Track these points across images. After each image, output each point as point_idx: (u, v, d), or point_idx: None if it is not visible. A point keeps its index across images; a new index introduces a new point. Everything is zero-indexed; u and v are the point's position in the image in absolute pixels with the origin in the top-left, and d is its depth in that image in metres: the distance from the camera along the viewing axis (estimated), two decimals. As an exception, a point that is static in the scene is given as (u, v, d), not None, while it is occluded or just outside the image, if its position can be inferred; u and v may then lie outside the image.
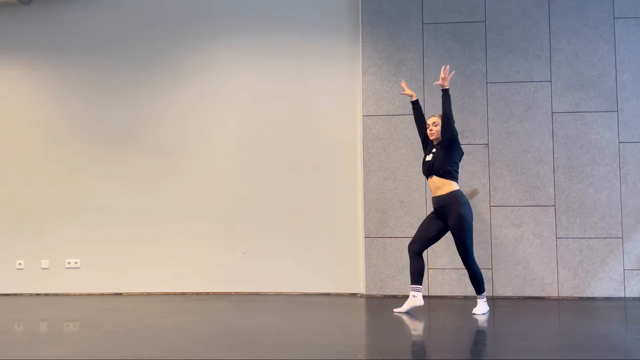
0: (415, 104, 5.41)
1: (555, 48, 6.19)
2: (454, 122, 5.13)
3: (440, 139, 5.14)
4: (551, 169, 6.11)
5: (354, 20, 6.51)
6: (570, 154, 6.10)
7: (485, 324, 4.84)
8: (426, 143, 5.32)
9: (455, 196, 5.04)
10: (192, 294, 6.44)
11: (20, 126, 6.82)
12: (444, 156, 5.07)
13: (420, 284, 5.14)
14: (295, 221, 6.43)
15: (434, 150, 5.18)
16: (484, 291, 5.17)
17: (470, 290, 6.03)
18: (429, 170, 5.14)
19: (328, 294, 5.94)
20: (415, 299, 5.13)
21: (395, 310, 5.16)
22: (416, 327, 4.72)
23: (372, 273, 6.18)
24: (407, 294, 6.11)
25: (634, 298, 5.94)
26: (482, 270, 6.04)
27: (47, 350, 3.88)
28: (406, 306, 5.15)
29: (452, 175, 5.09)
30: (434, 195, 5.16)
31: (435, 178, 5.10)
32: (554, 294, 6.01)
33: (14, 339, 4.40)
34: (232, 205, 6.53)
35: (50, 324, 5.01)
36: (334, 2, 6.57)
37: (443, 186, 5.07)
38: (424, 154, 5.30)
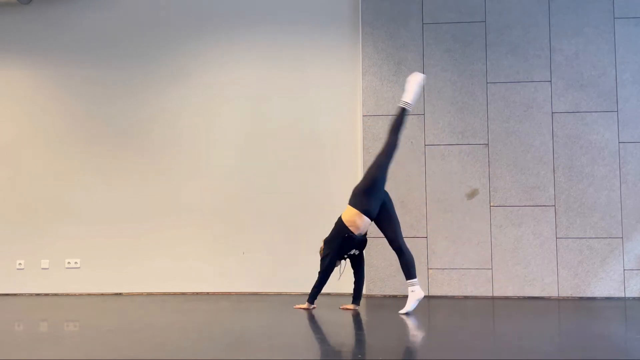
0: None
1: (555, 48, 6.19)
2: (323, 269, 5.20)
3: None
4: (551, 169, 6.11)
5: (354, 20, 6.51)
6: (570, 154, 6.11)
7: (486, 325, 4.84)
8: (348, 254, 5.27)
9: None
10: (192, 294, 6.44)
11: (20, 126, 6.82)
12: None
13: (413, 277, 5.06)
14: (295, 221, 6.43)
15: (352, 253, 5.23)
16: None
17: (470, 290, 6.05)
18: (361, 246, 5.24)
19: (328, 294, 5.94)
20: (415, 293, 5.04)
21: (400, 312, 5.07)
22: (416, 327, 4.72)
23: (372, 273, 6.18)
24: (407, 293, 6.11)
25: (634, 298, 5.94)
26: (482, 270, 6.07)
27: (47, 350, 3.88)
28: (409, 304, 5.04)
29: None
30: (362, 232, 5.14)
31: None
32: (554, 294, 6.01)
33: (14, 339, 4.40)
34: (232, 205, 6.53)
35: (50, 324, 5.01)
36: (334, 2, 6.57)
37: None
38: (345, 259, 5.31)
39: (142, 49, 6.75)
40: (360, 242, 5.20)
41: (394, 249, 5.15)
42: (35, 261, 6.65)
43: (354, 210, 5.07)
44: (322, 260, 5.24)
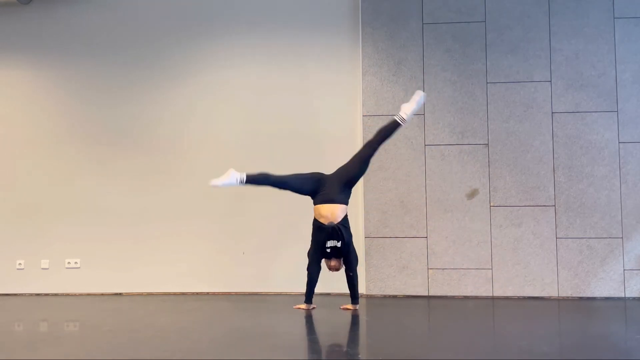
0: None
1: (555, 48, 6.19)
2: (307, 266, 5.36)
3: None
4: (551, 169, 6.11)
5: (354, 20, 6.51)
6: (570, 154, 6.11)
7: (486, 325, 4.84)
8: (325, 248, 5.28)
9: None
10: (192, 294, 6.44)
11: (20, 126, 6.82)
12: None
13: (397, 115, 5.34)
14: (295, 221, 6.42)
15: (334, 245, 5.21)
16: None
17: (470, 290, 6.05)
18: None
19: (328, 294, 5.94)
20: (408, 105, 5.31)
21: (405, 111, 5.28)
22: (416, 327, 4.72)
23: (372, 273, 6.18)
24: (407, 293, 6.14)
25: (634, 298, 5.94)
26: (482, 270, 6.07)
27: (47, 350, 3.88)
28: (414, 103, 5.31)
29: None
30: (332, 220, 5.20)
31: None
32: (554, 294, 6.01)
33: (14, 339, 4.40)
34: (232, 205, 6.53)
35: (50, 324, 5.01)
36: (334, 2, 6.57)
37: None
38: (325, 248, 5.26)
39: (142, 50, 6.75)
40: (333, 230, 5.14)
41: (374, 150, 5.33)
42: (35, 261, 6.65)
43: (314, 207, 5.28)
44: (308, 257, 5.34)
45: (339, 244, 5.17)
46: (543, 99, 6.16)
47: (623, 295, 5.96)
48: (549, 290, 6.01)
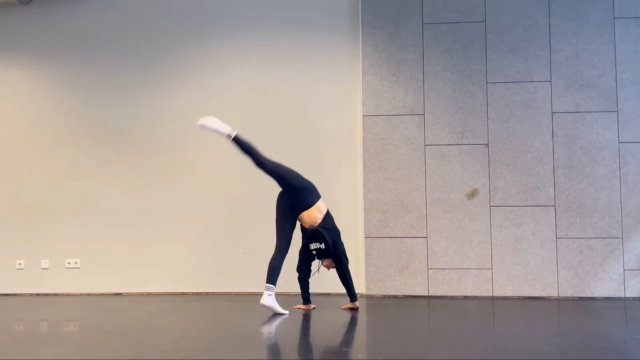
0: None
1: (555, 48, 6.19)
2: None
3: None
4: (551, 169, 6.11)
5: (354, 20, 6.51)
6: (570, 154, 6.11)
7: (486, 325, 4.84)
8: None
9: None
10: (192, 294, 6.44)
11: (20, 126, 6.82)
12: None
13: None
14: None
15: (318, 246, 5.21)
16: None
17: (470, 290, 6.05)
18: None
19: (328, 294, 5.94)
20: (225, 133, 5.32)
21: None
22: (416, 327, 4.72)
23: (372, 273, 6.18)
24: (407, 293, 6.13)
25: (634, 298, 5.94)
26: (482, 270, 6.07)
27: (47, 350, 3.88)
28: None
29: None
30: (311, 223, 5.22)
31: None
32: (554, 294, 6.02)
33: (14, 339, 4.40)
34: (232, 205, 6.53)
35: (50, 324, 5.01)
36: (334, 2, 6.57)
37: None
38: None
39: (142, 50, 6.75)
40: (312, 233, 5.16)
41: (265, 161, 5.37)
42: (35, 261, 6.65)
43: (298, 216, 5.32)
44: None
45: (322, 246, 5.17)
46: (543, 99, 6.16)
47: (623, 295, 5.96)
48: (549, 290, 6.01)
